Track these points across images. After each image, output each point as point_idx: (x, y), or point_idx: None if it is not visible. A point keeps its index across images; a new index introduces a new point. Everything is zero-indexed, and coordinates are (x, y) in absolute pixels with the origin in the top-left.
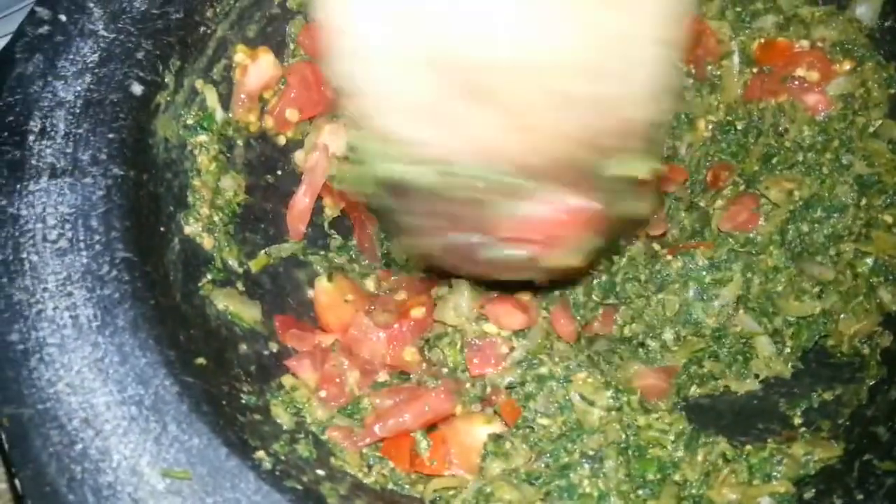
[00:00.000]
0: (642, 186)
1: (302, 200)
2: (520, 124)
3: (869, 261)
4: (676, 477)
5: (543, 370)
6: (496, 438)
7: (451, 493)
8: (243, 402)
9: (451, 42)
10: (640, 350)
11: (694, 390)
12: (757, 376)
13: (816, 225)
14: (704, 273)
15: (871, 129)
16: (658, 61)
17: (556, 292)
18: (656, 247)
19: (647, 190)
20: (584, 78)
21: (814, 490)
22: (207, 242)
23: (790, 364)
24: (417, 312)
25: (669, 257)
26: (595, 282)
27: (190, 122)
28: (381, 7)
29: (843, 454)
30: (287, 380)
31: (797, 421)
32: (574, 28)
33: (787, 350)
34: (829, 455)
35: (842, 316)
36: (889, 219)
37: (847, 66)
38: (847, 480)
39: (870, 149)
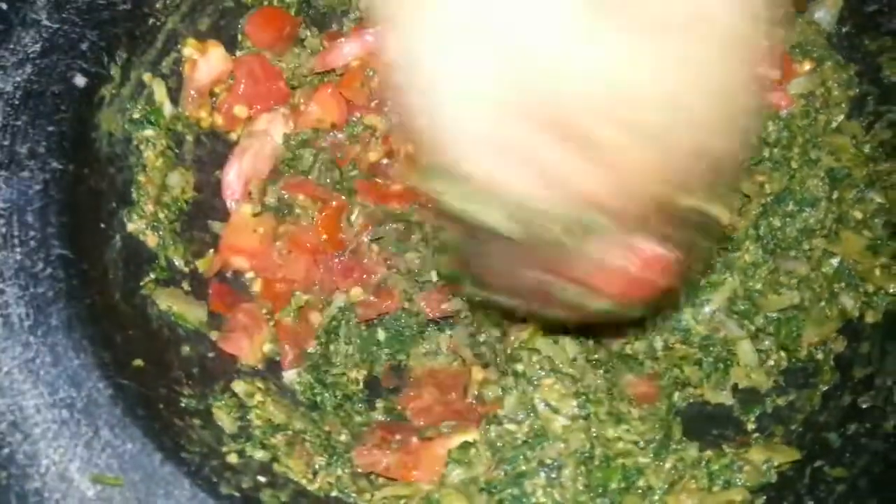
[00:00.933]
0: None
1: (232, 184)
2: (598, 160)
3: (834, 262)
4: (640, 483)
5: (519, 367)
6: (465, 446)
7: (402, 501)
8: (182, 405)
9: (525, 76)
10: (635, 366)
11: (676, 397)
12: (735, 387)
13: (788, 219)
14: (698, 275)
15: (834, 126)
16: (740, 91)
17: None
18: None
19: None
20: (665, 110)
21: (764, 497)
22: (151, 240)
23: (772, 378)
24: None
25: None
26: None
27: (136, 116)
28: (453, 43)
29: (800, 462)
30: (238, 386)
31: (751, 426)
32: (653, 58)
33: (771, 362)
34: (787, 459)
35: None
36: (859, 214)
37: (807, 66)
38: (798, 487)
39: (835, 144)
